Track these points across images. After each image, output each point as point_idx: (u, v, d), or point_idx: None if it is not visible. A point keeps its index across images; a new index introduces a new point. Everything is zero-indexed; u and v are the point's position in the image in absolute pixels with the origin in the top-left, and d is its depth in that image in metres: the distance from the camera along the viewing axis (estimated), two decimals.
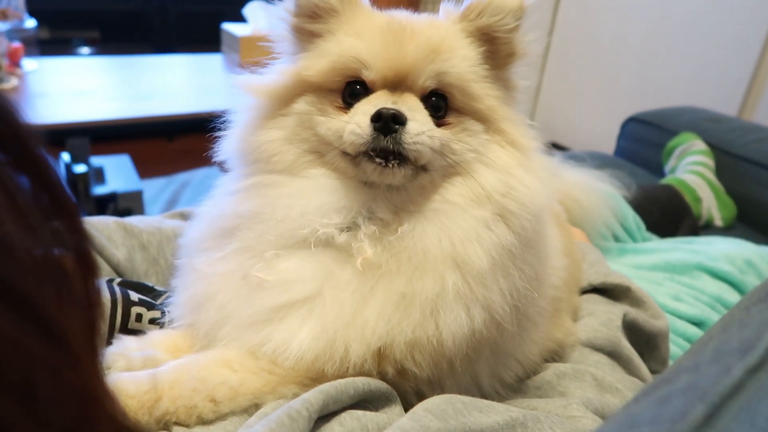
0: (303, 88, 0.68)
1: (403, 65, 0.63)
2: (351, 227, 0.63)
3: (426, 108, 0.64)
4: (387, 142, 0.61)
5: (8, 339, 0.22)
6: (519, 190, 0.65)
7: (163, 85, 2.57)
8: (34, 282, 0.25)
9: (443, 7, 0.70)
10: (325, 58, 0.66)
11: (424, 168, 0.64)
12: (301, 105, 0.68)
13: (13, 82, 2.13)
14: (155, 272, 0.90)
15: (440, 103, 0.65)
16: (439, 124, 0.65)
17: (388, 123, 0.60)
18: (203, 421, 0.59)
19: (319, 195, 0.65)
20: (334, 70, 0.65)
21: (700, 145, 1.72)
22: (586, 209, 1.18)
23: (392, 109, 0.60)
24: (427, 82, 0.64)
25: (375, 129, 0.61)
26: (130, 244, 0.88)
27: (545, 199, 0.68)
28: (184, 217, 0.97)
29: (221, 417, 0.59)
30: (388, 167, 0.62)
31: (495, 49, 0.67)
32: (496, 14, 0.66)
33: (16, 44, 2.26)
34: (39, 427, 0.23)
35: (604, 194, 1.25)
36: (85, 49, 3.66)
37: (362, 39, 0.65)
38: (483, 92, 0.66)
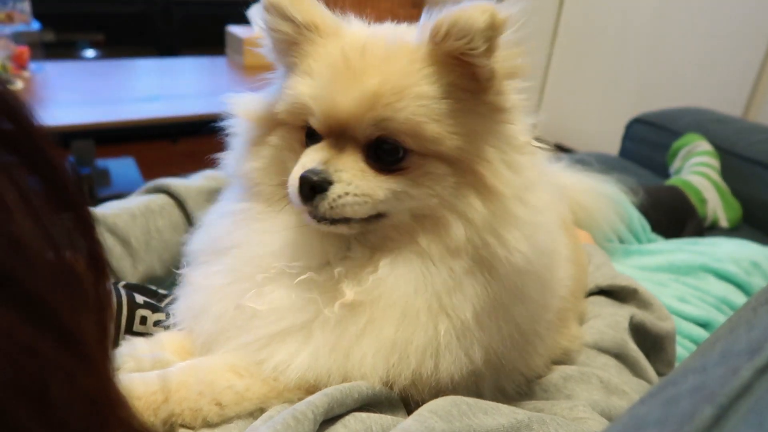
0: (275, 121, 0.66)
1: (342, 114, 0.59)
2: (326, 265, 0.63)
3: (372, 156, 0.60)
4: (310, 206, 0.59)
5: (23, 342, 0.22)
6: (496, 246, 0.59)
7: (168, 88, 2.57)
8: (48, 284, 0.25)
9: (419, 24, 0.61)
10: (285, 98, 0.63)
11: (380, 215, 0.61)
12: (274, 138, 0.67)
13: (18, 84, 2.14)
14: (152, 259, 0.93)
15: (391, 149, 0.59)
16: (394, 170, 0.59)
17: (307, 191, 0.59)
18: (208, 424, 0.59)
19: (289, 234, 0.65)
20: (291, 113, 0.64)
21: (705, 146, 1.72)
22: (592, 213, 1.17)
23: (314, 176, 0.58)
24: (368, 131, 0.59)
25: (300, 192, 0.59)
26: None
27: (540, 243, 0.62)
28: (159, 188, 0.99)
29: (226, 420, 0.59)
30: (326, 225, 0.61)
31: (472, 72, 0.58)
32: (462, 37, 0.55)
33: (22, 47, 2.27)
34: (53, 431, 0.23)
35: (610, 198, 1.25)
36: (90, 52, 3.67)
37: (313, 79, 0.61)
38: (443, 132, 0.58)
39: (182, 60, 3.23)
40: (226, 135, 0.73)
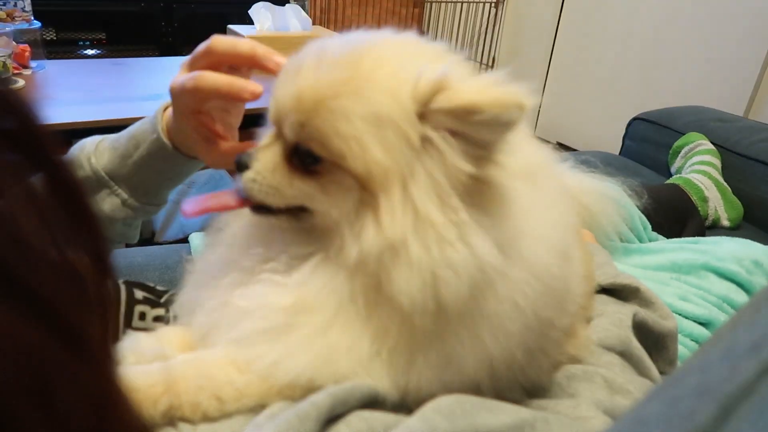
0: None
1: (276, 109, 0.60)
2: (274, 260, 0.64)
3: (295, 154, 0.60)
4: (237, 182, 0.63)
5: (26, 342, 0.22)
6: (384, 281, 0.56)
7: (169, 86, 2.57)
8: (51, 283, 0.25)
9: (425, 70, 0.57)
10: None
11: (304, 209, 0.62)
12: None
13: (19, 83, 2.14)
14: None
15: (310, 152, 0.59)
16: (309, 171, 0.59)
17: (236, 167, 0.63)
18: (208, 419, 0.59)
19: (252, 224, 0.68)
20: None
21: (706, 144, 1.72)
22: (595, 216, 1.17)
23: (242, 156, 0.62)
24: (288, 131, 0.59)
25: None
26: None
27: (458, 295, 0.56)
28: None
29: (226, 416, 0.59)
30: (252, 211, 0.65)
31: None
32: (484, 126, 0.54)
33: (23, 45, 2.27)
34: None
35: (613, 200, 1.24)
36: (92, 51, 3.68)
37: (283, 70, 0.62)
38: (347, 151, 0.55)
39: (184, 59, 3.23)
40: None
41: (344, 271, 0.59)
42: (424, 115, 0.55)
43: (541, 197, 0.64)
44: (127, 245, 1.04)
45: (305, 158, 0.59)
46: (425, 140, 0.56)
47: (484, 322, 0.58)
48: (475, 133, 0.54)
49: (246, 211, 0.68)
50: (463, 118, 0.53)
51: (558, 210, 0.66)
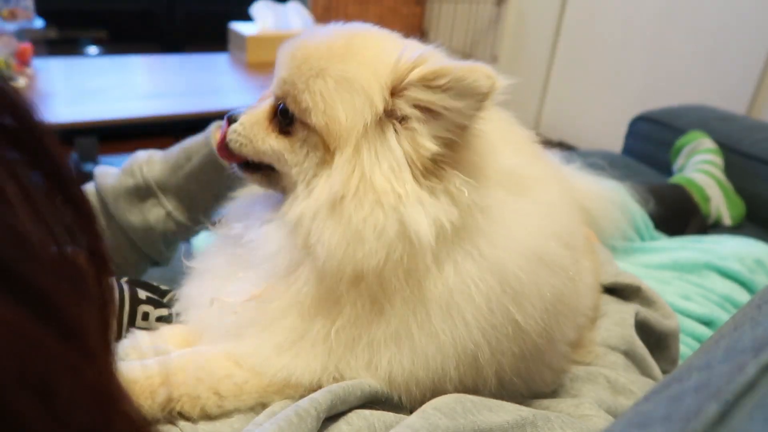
0: None
1: (276, 69, 0.66)
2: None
3: (277, 114, 0.66)
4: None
5: (27, 337, 0.22)
6: (314, 234, 0.59)
7: (171, 85, 2.57)
8: (51, 279, 0.25)
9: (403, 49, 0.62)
10: None
11: (272, 168, 0.68)
12: None
13: (21, 81, 2.14)
14: None
15: (286, 111, 0.64)
16: (284, 132, 0.65)
17: (228, 121, 0.70)
18: (208, 416, 0.59)
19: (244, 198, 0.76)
20: None
21: (708, 143, 1.71)
22: (598, 218, 1.17)
23: (234, 111, 0.70)
24: (276, 88, 0.65)
25: None
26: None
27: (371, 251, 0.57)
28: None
29: (226, 414, 0.59)
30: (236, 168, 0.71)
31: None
32: (460, 95, 0.57)
33: (25, 44, 2.27)
34: (58, 427, 0.23)
35: (617, 203, 1.24)
36: (93, 49, 3.68)
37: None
38: (312, 106, 0.61)
39: (185, 57, 3.24)
40: None
41: (287, 236, 0.62)
42: (398, 90, 0.58)
43: (523, 205, 0.64)
44: None
45: (283, 118, 0.65)
46: (393, 114, 0.59)
47: (432, 305, 0.59)
48: (443, 101, 0.56)
49: (241, 212, 0.73)
50: (432, 83, 0.56)
51: (543, 220, 0.65)
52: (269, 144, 0.66)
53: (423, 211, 0.57)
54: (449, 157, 0.59)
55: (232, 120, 0.69)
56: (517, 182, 0.65)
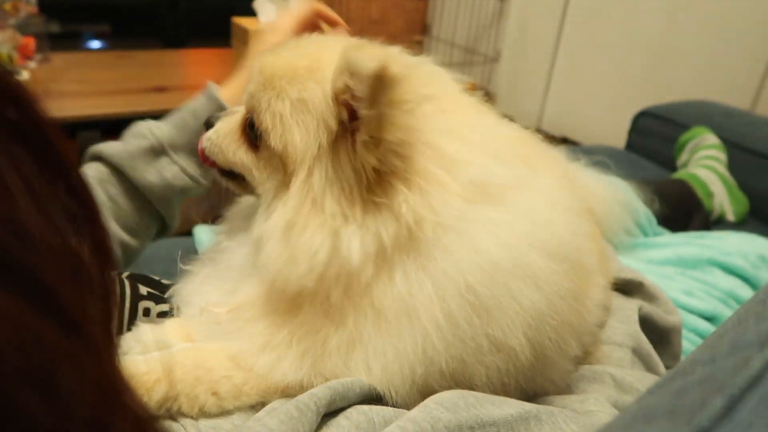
0: None
1: (249, 86, 0.66)
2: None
3: (247, 126, 0.66)
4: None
5: (30, 329, 0.22)
6: (263, 252, 0.61)
7: (174, 79, 2.57)
8: (53, 271, 0.25)
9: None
10: None
11: (240, 176, 0.69)
12: None
13: (24, 75, 2.14)
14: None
15: (252, 126, 0.65)
16: (253, 145, 0.66)
17: (205, 125, 0.72)
18: (207, 415, 0.59)
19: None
20: None
21: (712, 139, 1.71)
22: (601, 217, 1.16)
23: (212, 117, 0.72)
24: (245, 102, 0.66)
25: None
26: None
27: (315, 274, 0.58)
28: (94, 157, 0.95)
29: (226, 413, 0.59)
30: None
31: (345, 108, 0.58)
32: (347, 73, 0.54)
33: (27, 38, 2.27)
34: (61, 420, 0.23)
35: (621, 203, 1.23)
36: (96, 43, 3.67)
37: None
38: (271, 127, 0.61)
39: (188, 51, 3.23)
40: None
41: (252, 248, 0.65)
42: (338, 98, 0.57)
43: (493, 215, 0.60)
44: None
45: (252, 131, 0.65)
46: (346, 128, 0.58)
47: (387, 312, 0.58)
48: (362, 93, 0.53)
49: (236, 223, 0.75)
50: (348, 75, 0.53)
51: (518, 230, 0.61)
52: (239, 157, 0.67)
53: (359, 232, 0.57)
54: (399, 169, 0.57)
55: (209, 125, 0.71)
56: (486, 192, 0.61)
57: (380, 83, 0.51)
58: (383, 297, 0.58)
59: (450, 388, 0.60)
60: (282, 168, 0.62)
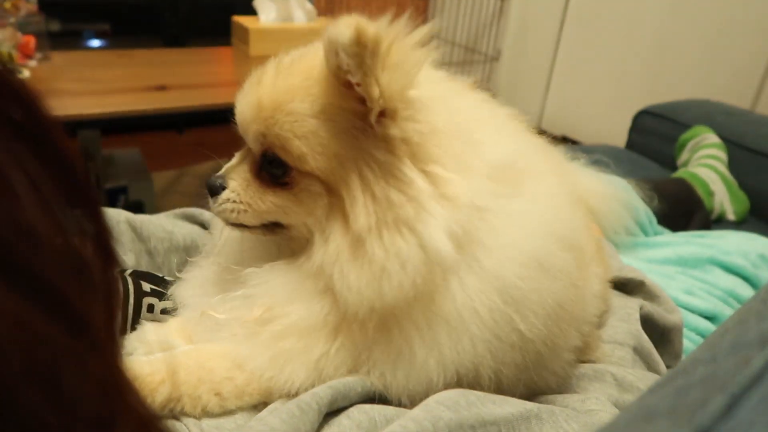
0: None
1: (240, 123, 0.63)
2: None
3: (265, 168, 0.62)
4: (212, 205, 0.65)
5: (34, 329, 0.22)
6: (336, 279, 0.57)
7: (174, 78, 2.57)
8: (57, 271, 0.25)
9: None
10: None
11: (278, 224, 0.64)
12: None
13: (24, 74, 2.14)
14: None
15: (277, 163, 0.60)
16: (280, 184, 0.61)
17: (208, 191, 0.65)
18: (209, 415, 0.59)
19: (242, 237, 0.70)
20: None
21: (712, 138, 1.71)
22: (601, 215, 1.16)
23: (213, 180, 0.64)
24: (255, 143, 0.61)
25: None
26: (137, 249, 0.87)
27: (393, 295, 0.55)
28: (196, 221, 0.97)
29: (228, 413, 0.59)
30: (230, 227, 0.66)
31: (357, 93, 0.55)
32: (333, 53, 0.53)
33: (28, 36, 2.27)
34: (65, 419, 0.23)
35: (620, 201, 1.23)
36: (96, 42, 3.67)
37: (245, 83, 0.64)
38: (307, 151, 0.57)
39: (188, 50, 3.23)
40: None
41: (306, 278, 0.60)
42: (335, 77, 0.55)
43: (518, 203, 0.61)
44: None
45: (274, 170, 0.61)
46: (362, 118, 0.56)
47: (440, 323, 0.57)
48: (350, 63, 0.52)
49: (235, 247, 0.70)
50: (333, 53, 0.52)
51: (541, 219, 0.62)
52: (270, 202, 0.62)
53: (432, 220, 0.55)
54: (425, 138, 0.56)
55: (216, 189, 0.64)
56: (508, 176, 0.61)
57: (362, 47, 0.50)
58: (442, 306, 0.57)
59: (467, 386, 0.60)
60: (324, 189, 0.59)
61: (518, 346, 0.60)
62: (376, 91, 0.53)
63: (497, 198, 0.59)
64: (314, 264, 0.59)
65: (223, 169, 0.65)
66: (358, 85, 0.53)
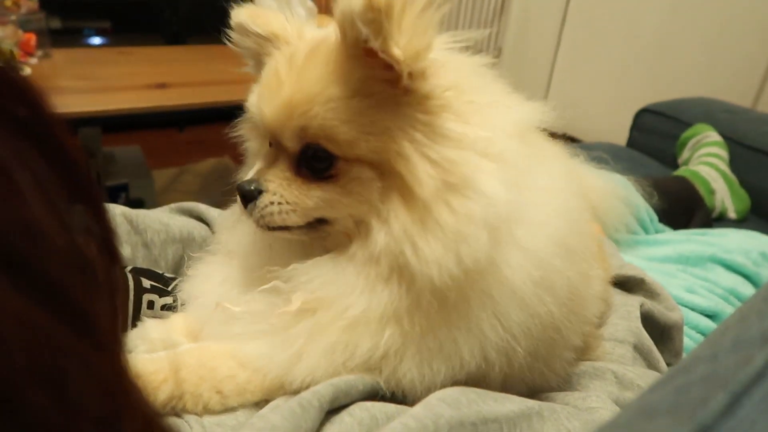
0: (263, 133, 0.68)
1: (269, 125, 0.60)
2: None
3: (304, 165, 0.60)
4: (249, 213, 0.62)
5: (38, 328, 0.22)
6: (410, 255, 0.55)
7: (174, 76, 2.57)
8: (62, 269, 0.25)
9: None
10: (248, 101, 0.66)
11: (321, 221, 0.62)
12: (263, 148, 0.69)
13: (25, 71, 2.14)
14: None
15: (320, 156, 0.58)
16: (325, 178, 0.59)
17: (242, 200, 0.62)
18: (211, 412, 0.59)
19: (263, 238, 0.67)
20: (252, 123, 0.67)
21: (714, 136, 1.71)
22: (602, 213, 1.16)
23: (246, 186, 0.61)
24: (292, 141, 0.59)
25: None
26: (134, 242, 0.87)
27: (475, 253, 0.54)
28: (193, 214, 0.97)
29: (230, 410, 0.59)
30: (265, 231, 0.63)
31: (382, 61, 0.54)
32: (349, 25, 0.52)
33: (29, 34, 2.26)
34: (70, 419, 0.23)
35: (621, 199, 1.23)
36: (97, 39, 3.67)
37: (259, 86, 0.63)
38: (356, 134, 0.56)
39: (188, 48, 3.23)
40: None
41: (363, 268, 0.58)
42: (356, 46, 0.55)
43: (541, 178, 0.61)
44: None
45: (317, 164, 0.59)
46: (394, 85, 0.55)
47: (486, 303, 0.57)
48: (367, 32, 0.51)
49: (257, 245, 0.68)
50: (349, 24, 0.52)
51: (561, 197, 0.63)
52: (316, 197, 0.60)
53: (495, 178, 0.55)
54: (457, 108, 0.56)
55: (252, 195, 0.61)
56: (533, 146, 0.61)
57: (376, 11, 0.50)
58: (489, 285, 0.56)
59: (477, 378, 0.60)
60: (376, 174, 0.57)
61: (540, 330, 0.60)
62: (399, 53, 0.52)
63: (528, 166, 0.59)
64: (376, 248, 0.57)
65: (252, 174, 0.62)
66: (382, 51, 0.52)
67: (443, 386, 0.59)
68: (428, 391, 0.58)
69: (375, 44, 0.52)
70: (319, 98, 0.56)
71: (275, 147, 0.62)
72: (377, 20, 0.50)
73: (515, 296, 0.57)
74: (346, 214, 0.60)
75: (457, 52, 0.60)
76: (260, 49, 0.65)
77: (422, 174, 0.55)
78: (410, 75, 0.54)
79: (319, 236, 0.64)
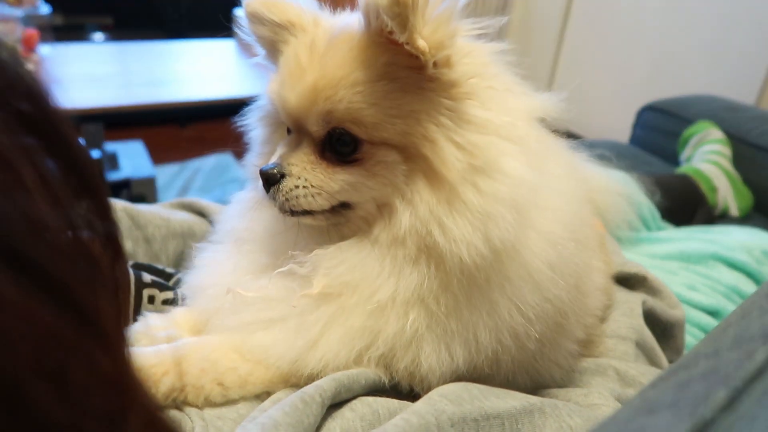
0: (277, 120, 0.69)
1: (293, 110, 0.61)
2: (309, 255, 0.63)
3: (328, 149, 0.60)
4: (271, 197, 0.62)
5: (43, 324, 0.22)
6: (438, 235, 0.56)
7: (176, 72, 2.57)
8: (66, 266, 0.25)
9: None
10: (266, 96, 0.67)
11: (344, 205, 0.62)
12: (276, 136, 0.70)
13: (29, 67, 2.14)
14: None
15: (345, 140, 0.59)
16: (350, 161, 0.60)
17: (265, 184, 0.62)
18: (212, 405, 0.59)
19: (277, 224, 0.68)
20: (270, 110, 0.68)
21: (716, 134, 1.70)
22: (604, 210, 1.16)
23: (269, 170, 0.61)
24: (317, 125, 0.60)
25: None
26: (135, 236, 0.87)
27: (501, 232, 0.55)
28: (193, 209, 0.97)
29: (231, 402, 0.60)
30: (290, 216, 0.63)
31: (407, 49, 0.55)
32: (376, 16, 0.53)
33: (31, 30, 2.27)
34: (75, 414, 0.23)
35: (624, 196, 1.23)
36: (99, 36, 3.67)
37: (278, 76, 0.63)
38: (383, 117, 0.57)
39: (190, 43, 3.23)
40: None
41: (389, 250, 0.59)
42: (381, 35, 0.55)
43: (553, 166, 0.62)
44: None
45: (342, 148, 0.59)
46: (417, 71, 0.56)
47: (504, 286, 0.58)
48: (392, 24, 0.52)
49: (262, 206, 0.68)
50: (374, 14, 0.53)
51: (570, 185, 0.64)
52: (341, 180, 0.60)
53: (520, 160, 0.57)
54: (478, 94, 0.58)
55: (275, 178, 0.61)
56: (543, 135, 0.63)
57: (402, 6, 0.50)
58: (508, 268, 0.57)
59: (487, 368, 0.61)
60: (401, 157, 0.58)
61: (552, 313, 0.61)
62: (424, 45, 0.53)
63: (545, 146, 0.61)
64: (400, 230, 0.58)
65: (275, 158, 0.63)
66: (407, 44, 0.53)
67: (458, 373, 0.59)
68: (443, 379, 0.59)
69: (401, 38, 0.53)
70: (344, 82, 0.57)
71: (296, 132, 0.63)
72: (403, 14, 0.51)
73: (532, 279, 0.58)
74: (369, 198, 0.61)
75: (476, 40, 0.61)
76: (276, 37, 0.65)
77: (449, 157, 0.56)
78: (435, 64, 0.55)
79: (338, 221, 0.64)
